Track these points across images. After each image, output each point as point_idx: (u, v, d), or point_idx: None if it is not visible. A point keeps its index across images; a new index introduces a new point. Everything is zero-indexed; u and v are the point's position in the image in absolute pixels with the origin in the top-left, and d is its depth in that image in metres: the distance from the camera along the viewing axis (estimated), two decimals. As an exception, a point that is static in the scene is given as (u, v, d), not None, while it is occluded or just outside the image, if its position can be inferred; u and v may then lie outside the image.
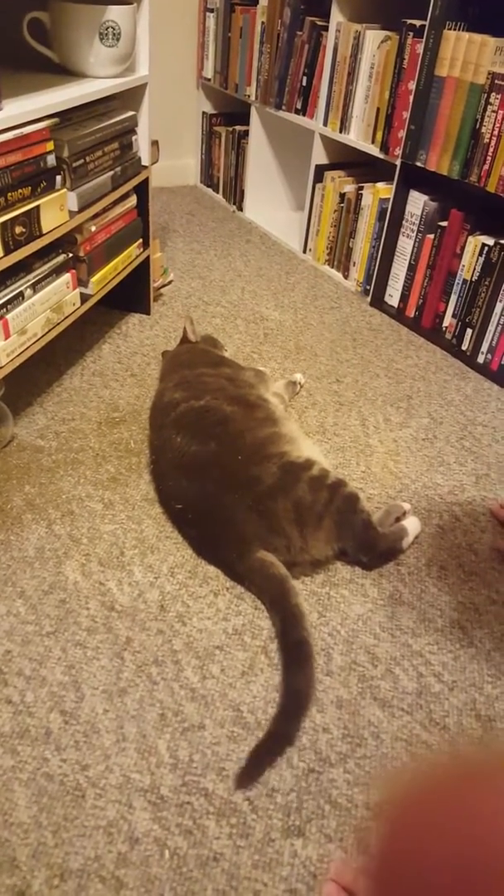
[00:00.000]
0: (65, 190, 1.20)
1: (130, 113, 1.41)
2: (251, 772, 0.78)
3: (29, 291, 1.17)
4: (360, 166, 2.00)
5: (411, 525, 1.10)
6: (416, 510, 1.17)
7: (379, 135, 1.77)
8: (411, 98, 1.61)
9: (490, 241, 1.55)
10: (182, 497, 1.07)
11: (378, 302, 1.90)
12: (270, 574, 0.95)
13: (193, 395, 1.14)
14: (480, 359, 1.63)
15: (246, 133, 2.36)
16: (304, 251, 2.18)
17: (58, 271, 1.24)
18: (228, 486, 1.01)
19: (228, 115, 2.56)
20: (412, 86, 1.60)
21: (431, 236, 1.70)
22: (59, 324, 1.27)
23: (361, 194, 1.89)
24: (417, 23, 1.57)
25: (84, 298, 1.35)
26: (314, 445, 1.19)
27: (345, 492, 1.01)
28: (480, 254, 1.57)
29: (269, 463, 1.01)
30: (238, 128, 2.43)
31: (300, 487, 0.99)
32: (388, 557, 1.07)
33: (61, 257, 1.25)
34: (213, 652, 0.91)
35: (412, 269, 1.77)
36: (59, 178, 1.18)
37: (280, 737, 0.81)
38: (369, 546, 1.03)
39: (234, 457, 1.03)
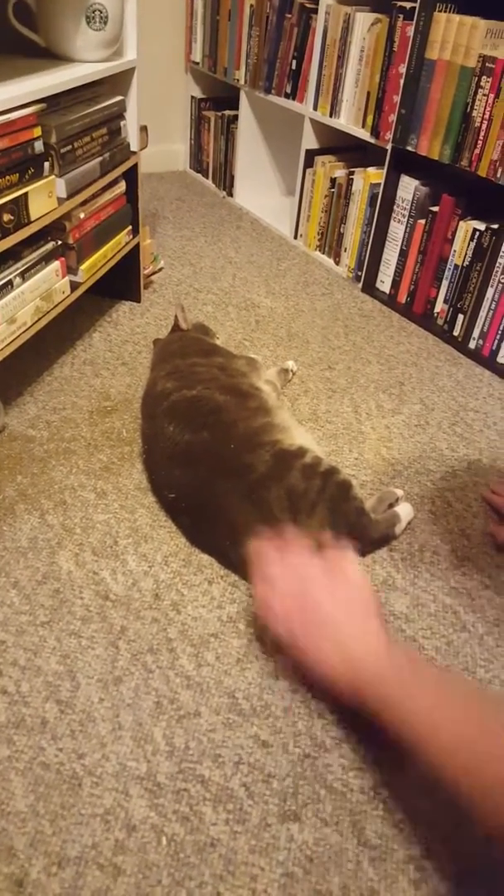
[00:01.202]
0: (53, 176, 1.18)
1: (118, 98, 1.39)
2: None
3: (18, 280, 1.15)
4: (351, 151, 1.99)
5: (404, 511, 1.10)
6: (409, 496, 1.18)
7: (369, 119, 1.76)
8: (402, 82, 1.60)
9: (481, 227, 1.54)
10: (175, 486, 1.07)
11: (369, 288, 1.89)
12: None
13: (186, 385, 1.14)
14: (472, 344, 1.63)
15: (235, 118, 2.34)
16: (295, 237, 2.17)
17: (47, 259, 1.23)
18: (221, 475, 1.00)
19: (217, 100, 2.53)
20: (403, 69, 1.59)
21: (423, 221, 1.69)
22: (48, 312, 1.26)
23: (352, 179, 1.87)
24: (408, 5, 1.55)
25: (74, 286, 1.34)
26: (307, 433, 1.19)
27: (337, 479, 1.01)
28: (472, 239, 1.56)
29: (262, 451, 1.01)
30: (227, 112, 2.41)
31: (293, 475, 0.99)
32: (380, 544, 1.07)
33: (50, 245, 1.24)
34: (207, 640, 0.91)
35: (403, 254, 1.77)
36: (46, 164, 1.16)
37: None
38: (362, 533, 1.03)
39: (226, 445, 1.03)
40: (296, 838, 0.72)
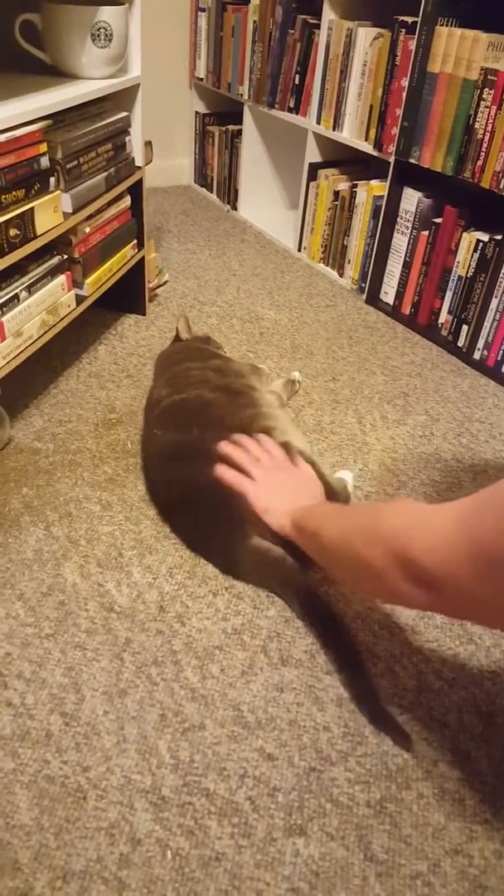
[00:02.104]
0: (59, 191, 1.20)
1: (123, 114, 1.41)
2: (395, 732, 0.82)
3: (24, 294, 1.16)
4: (354, 164, 2.00)
5: (346, 475, 1.19)
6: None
7: (372, 132, 1.77)
8: (404, 95, 1.61)
9: (485, 237, 1.55)
10: (169, 489, 1.09)
11: (373, 299, 1.90)
12: (271, 558, 0.96)
13: (176, 390, 1.17)
14: (477, 355, 1.63)
15: (239, 132, 2.36)
16: (299, 250, 2.18)
17: (53, 273, 1.24)
18: (209, 467, 1.02)
19: (221, 115, 2.55)
20: (405, 83, 1.60)
21: (426, 233, 1.69)
22: (54, 326, 1.27)
23: (355, 192, 1.89)
24: (409, 19, 1.57)
25: (79, 300, 1.35)
26: (297, 428, 1.22)
27: (307, 458, 1.07)
28: (475, 250, 1.57)
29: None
30: (231, 127, 2.43)
31: None
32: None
33: (56, 259, 1.25)
34: (212, 652, 0.91)
35: (407, 266, 1.77)
36: (52, 179, 1.18)
37: (366, 694, 0.85)
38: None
39: (216, 439, 1.05)
40: (301, 853, 0.71)
